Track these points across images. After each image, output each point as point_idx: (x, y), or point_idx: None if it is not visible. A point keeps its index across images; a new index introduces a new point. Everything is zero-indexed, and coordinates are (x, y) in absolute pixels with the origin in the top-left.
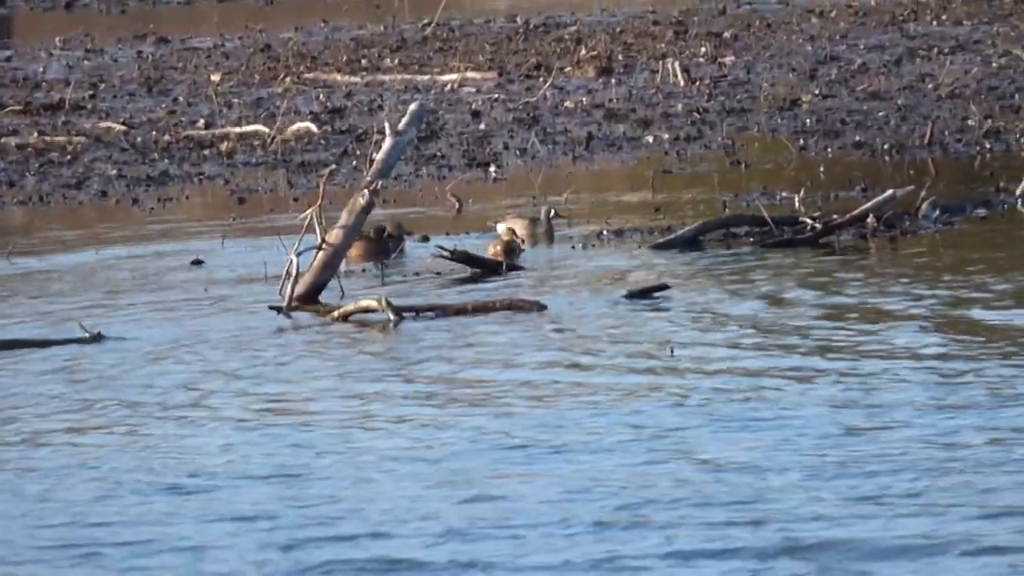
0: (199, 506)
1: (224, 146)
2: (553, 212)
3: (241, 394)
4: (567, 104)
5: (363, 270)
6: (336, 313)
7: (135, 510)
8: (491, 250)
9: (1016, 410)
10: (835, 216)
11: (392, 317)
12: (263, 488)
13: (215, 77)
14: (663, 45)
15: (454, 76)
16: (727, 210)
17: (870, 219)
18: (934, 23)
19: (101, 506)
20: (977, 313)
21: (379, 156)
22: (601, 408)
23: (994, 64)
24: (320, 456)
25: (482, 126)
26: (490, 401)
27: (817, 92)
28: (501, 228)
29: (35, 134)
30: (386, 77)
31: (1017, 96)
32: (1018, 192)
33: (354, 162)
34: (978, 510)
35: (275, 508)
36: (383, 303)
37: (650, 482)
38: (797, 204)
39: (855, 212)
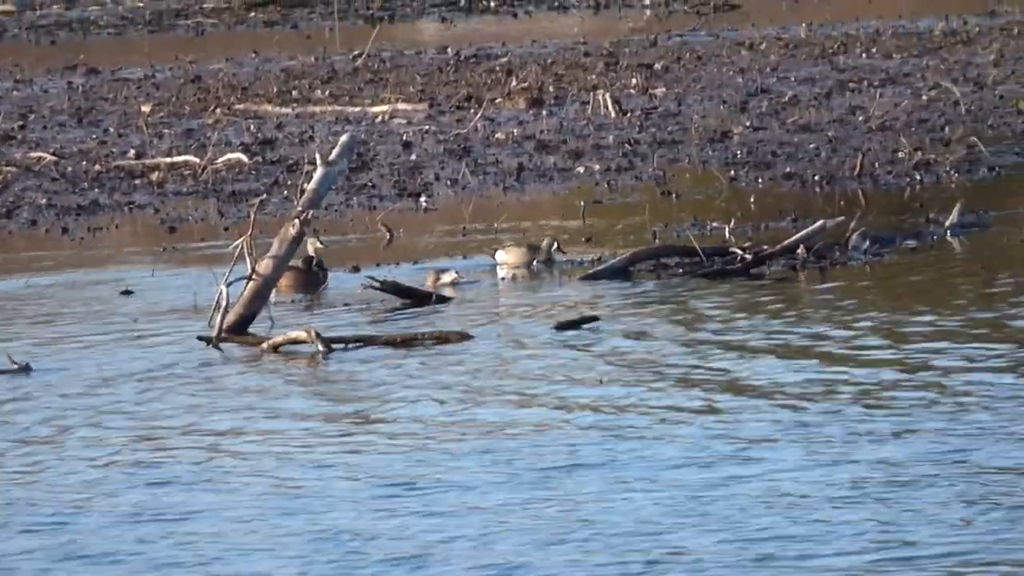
0: (46, 543)
1: (155, 176)
2: (556, 245)
3: (147, 426)
4: (498, 135)
5: (292, 301)
6: (265, 344)
7: None
8: (428, 281)
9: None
10: (765, 247)
11: (321, 348)
12: (115, 528)
13: (146, 108)
14: (594, 76)
15: (385, 107)
16: (657, 240)
17: (800, 250)
18: (864, 56)
19: None
20: (891, 350)
21: (310, 186)
22: (509, 443)
23: (924, 97)
24: (190, 490)
25: (413, 157)
26: (397, 437)
27: (748, 124)
28: (501, 256)
29: None
30: (317, 108)
31: (947, 128)
32: (947, 223)
33: (285, 192)
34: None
35: (123, 547)
36: (312, 334)
37: (519, 523)
38: (727, 235)
39: (785, 243)
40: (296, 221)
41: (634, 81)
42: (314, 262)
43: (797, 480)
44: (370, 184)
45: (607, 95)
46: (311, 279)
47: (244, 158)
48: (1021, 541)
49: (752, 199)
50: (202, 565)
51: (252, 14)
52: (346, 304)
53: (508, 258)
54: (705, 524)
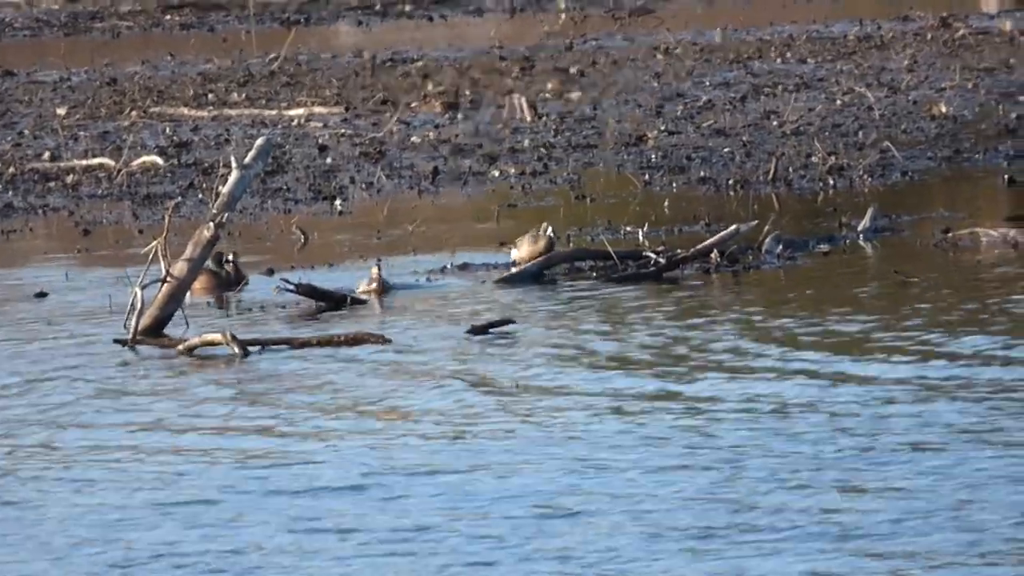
0: None
1: (69, 178)
2: (551, 230)
3: (61, 426)
4: (414, 139)
5: (208, 303)
6: (181, 347)
7: None
8: (361, 287)
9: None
10: (679, 251)
11: (237, 351)
12: None
13: (61, 110)
14: (510, 80)
15: (301, 111)
16: (572, 244)
17: (714, 254)
18: (779, 61)
19: None
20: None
21: (225, 189)
22: (402, 446)
23: (838, 102)
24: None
25: (328, 160)
26: (309, 439)
27: (663, 128)
28: (515, 254)
29: None
30: (233, 112)
31: (860, 133)
32: (860, 228)
33: (200, 195)
34: None
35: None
36: (228, 337)
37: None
38: (641, 239)
39: (699, 247)
40: (211, 224)
41: (550, 85)
42: (224, 262)
43: (693, 480)
44: (285, 187)
45: (523, 99)
46: (224, 281)
47: (160, 161)
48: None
49: (666, 203)
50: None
51: (168, 17)
52: (261, 307)
53: (521, 252)
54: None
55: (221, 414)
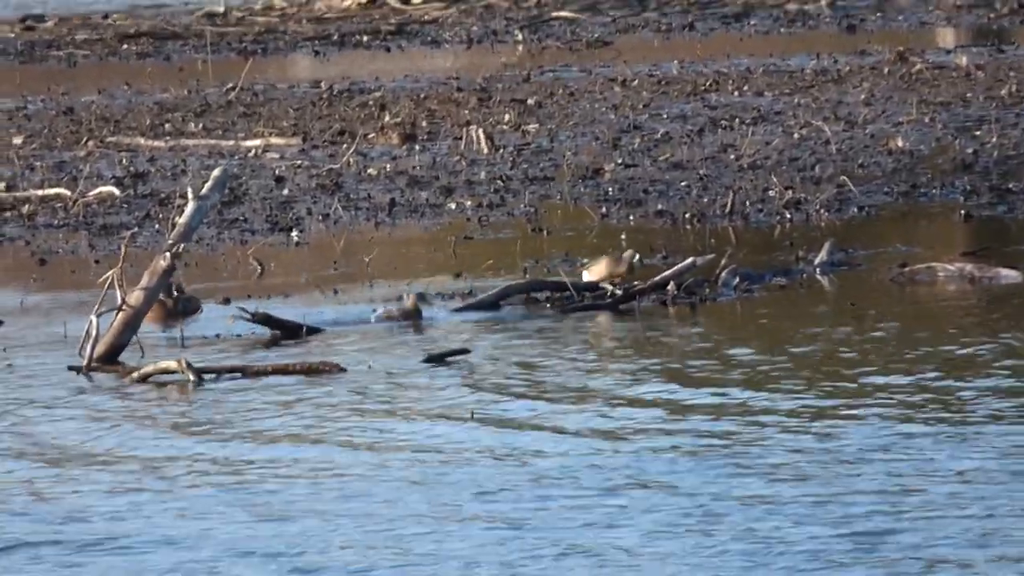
0: None
1: (25, 208)
2: (637, 257)
3: (13, 455)
4: (370, 170)
5: (163, 332)
6: (136, 374)
7: None
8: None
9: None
10: (636, 283)
11: (192, 378)
12: None
13: (17, 140)
14: (467, 112)
15: (258, 142)
16: (528, 276)
17: (671, 286)
18: (736, 94)
19: None
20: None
21: (181, 220)
22: (360, 482)
23: (795, 135)
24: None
25: (285, 191)
26: (264, 467)
27: (620, 161)
28: (587, 276)
29: None
30: (190, 142)
31: (817, 167)
32: (817, 261)
33: (157, 225)
34: None
35: None
36: (183, 364)
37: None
38: None
39: (656, 279)
40: (167, 254)
41: (507, 117)
42: (175, 291)
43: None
44: (242, 218)
45: (480, 131)
46: (178, 310)
47: (116, 191)
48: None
49: (623, 236)
50: None
51: (124, 46)
52: (217, 335)
53: (594, 275)
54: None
55: (170, 442)
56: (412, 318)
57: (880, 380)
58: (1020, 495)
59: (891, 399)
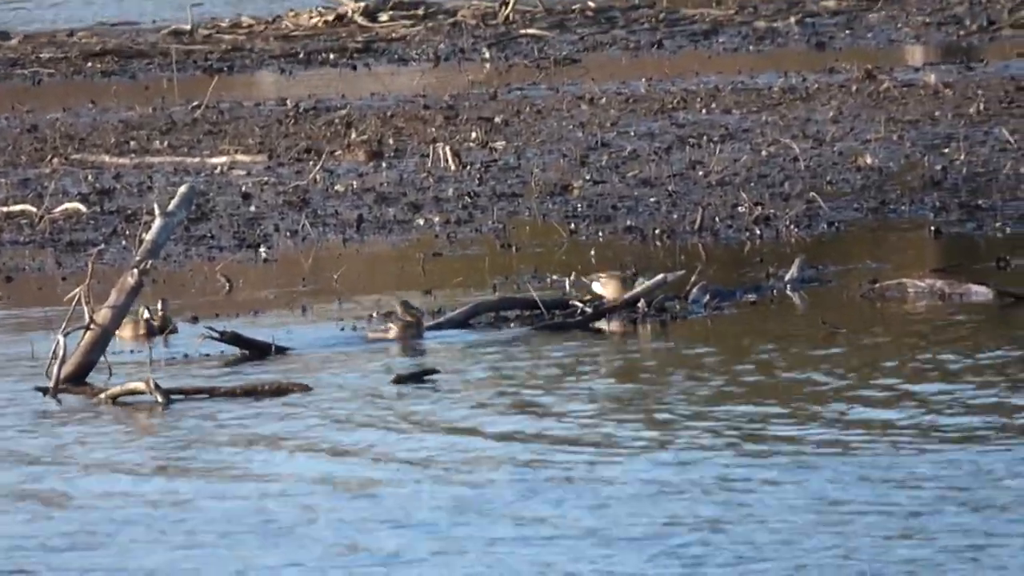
0: None
1: None
2: (666, 280)
3: None
4: (338, 187)
5: (131, 351)
6: (104, 395)
7: None
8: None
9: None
10: (606, 300)
11: (160, 399)
12: None
13: None
14: (434, 130)
15: (224, 159)
16: (498, 293)
17: (641, 303)
18: (704, 111)
19: None
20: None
21: (148, 236)
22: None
23: (763, 152)
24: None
25: (252, 208)
26: (233, 484)
27: (588, 178)
28: (597, 288)
29: None
30: (156, 159)
31: (787, 184)
32: (787, 278)
33: (123, 242)
34: None
35: None
36: (151, 385)
37: None
38: (568, 288)
39: (626, 296)
40: (135, 271)
41: (474, 134)
42: (143, 313)
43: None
44: (209, 235)
45: (447, 148)
46: (147, 329)
47: (82, 208)
48: None
49: (592, 252)
50: None
51: (89, 64)
52: (185, 355)
53: (605, 291)
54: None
55: (141, 462)
56: (412, 330)
57: (853, 394)
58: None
59: (866, 414)
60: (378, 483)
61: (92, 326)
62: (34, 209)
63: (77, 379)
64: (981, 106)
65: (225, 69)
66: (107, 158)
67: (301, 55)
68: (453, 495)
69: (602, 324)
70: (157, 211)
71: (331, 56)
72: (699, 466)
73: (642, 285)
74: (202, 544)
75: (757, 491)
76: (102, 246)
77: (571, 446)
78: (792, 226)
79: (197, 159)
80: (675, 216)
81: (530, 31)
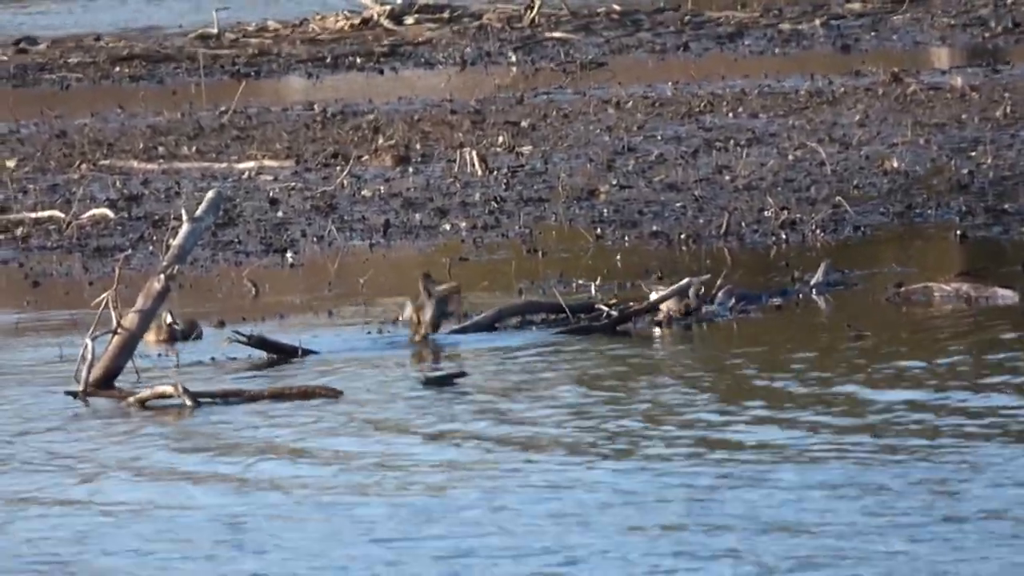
0: None
1: (19, 231)
2: (703, 288)
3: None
4: (364, 192)
5: (159, 355)
6: (132, 399)
7: None
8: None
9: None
10: (631, 304)
11: (189, 403)
12: None
13: (10, 163)
14: (461, 134)
15: (251, 164)
16: (524, 297)
17: (665, 307)
18: (730, 115)
19: None
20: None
21: (176, 242)
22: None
23: (790, 157)
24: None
25: (279, 213)
26: (259, 492)
27: (615, 182)
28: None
29: None
30: (183, 165)
31: (813, 188)
32: (813, 282)
33: (151, 247)
34: None
35: None
36: (179, 389)
37: None
38: (594, 292)
39: (651, 300)
40: (161, 276)
41: (501, 139)
42: (168, 318)
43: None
44: (236, 240)
45: (474, 153)
46: (172, 334)
47: (110, 213)
48: None
49: (618, 257)
50: None
51: (117, 69)
52: (212, 359)
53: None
54: None
55: (170, 466)
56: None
57: (878, 398)
58: None
59: (891, 417)
60: (408, 487)
61: (120, 330)
62: (62, 215)
63: (105, 383)
64: (1008, 109)
65: (252, 74)
66: (135, 163)
67: (328, 59)
68: (486, 500)
69: (627, 327)
70: (185, 216)
71: (358, 60)
72: (738, 471)
73: (667, 289)
74: (226, 547)
75: (812, 496)
76: (129, 251)
77: (597, 453)
78: (818, 230)
79: (224, 164)
80: (701, 221)
81: (556, 34)
